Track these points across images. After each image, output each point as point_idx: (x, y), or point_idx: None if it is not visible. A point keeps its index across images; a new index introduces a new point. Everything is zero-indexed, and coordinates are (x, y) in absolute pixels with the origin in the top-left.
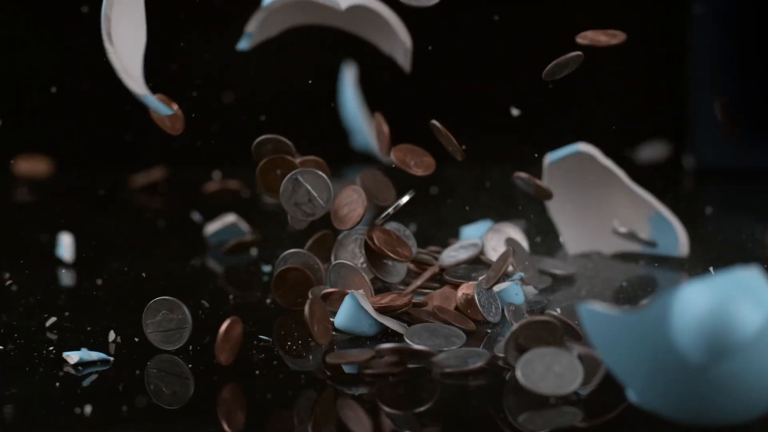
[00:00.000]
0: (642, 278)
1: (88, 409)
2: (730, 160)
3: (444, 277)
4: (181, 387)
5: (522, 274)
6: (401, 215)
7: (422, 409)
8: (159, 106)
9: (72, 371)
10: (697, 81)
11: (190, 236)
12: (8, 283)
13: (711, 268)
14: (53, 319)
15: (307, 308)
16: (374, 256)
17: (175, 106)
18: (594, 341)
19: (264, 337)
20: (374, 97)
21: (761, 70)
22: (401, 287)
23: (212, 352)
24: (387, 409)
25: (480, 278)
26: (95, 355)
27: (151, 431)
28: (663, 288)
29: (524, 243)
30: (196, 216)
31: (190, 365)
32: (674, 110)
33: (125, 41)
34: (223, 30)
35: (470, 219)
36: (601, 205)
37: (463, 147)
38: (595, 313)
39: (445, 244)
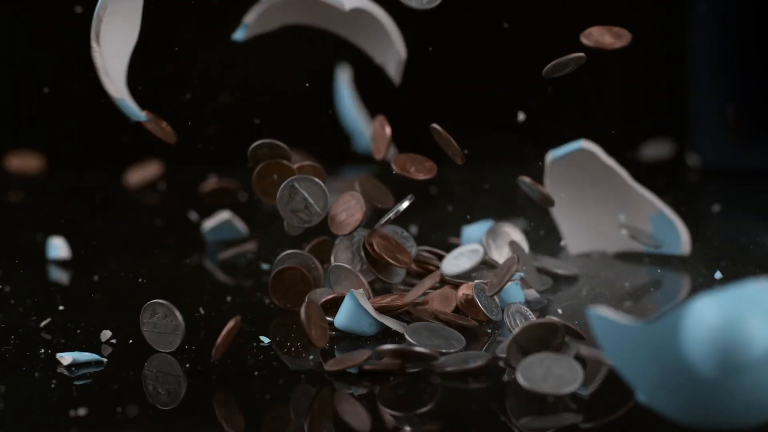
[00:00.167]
0: (644, 278)
1: (83, 410)
2: (730, 160)
3: (444, 277)
4: (176, 387)
5: (522, 274)
6: (402, 216)
7: (424, 410)
8: (133, 112)
9: (65, 372)
10: (697, 81)
11: (188, 235)
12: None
13: (717, 272)
14: (48, 320)
15: (303, 312)
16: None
17: (164, 124)
18: (602, 344)
19: (264, 338)
20: (373, 99)
21: (761, 70)
22: (402, 287)
23: (209, 352)
24: (387, 410)
25: (478, 280)
26: (89, 357)
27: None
28: (665, 288)
29: (524, 243)
30: (193, 215)
31: (187, 365)
32: (674, 110)
33: (113, 43)
34: (219, 29)
35: (471, 219)
36: (603, 204)
37: (465, 152)
38: (604, 318)
39: (445, 244)
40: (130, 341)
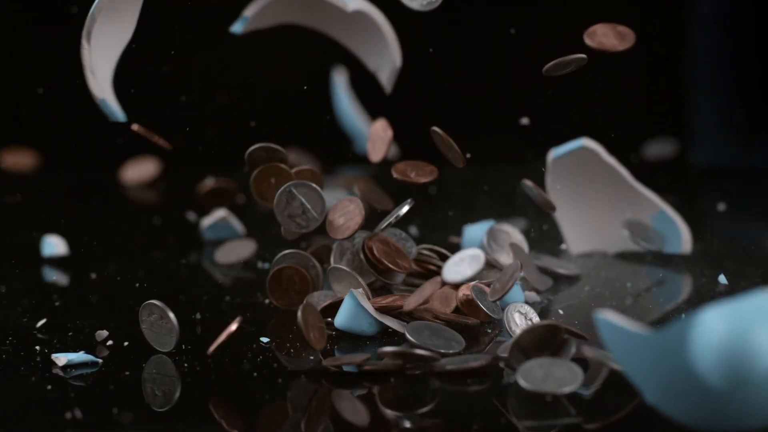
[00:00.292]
0: (645, 278)
1: (79, 411)
2: (729, 160)
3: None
4: (175, 388)
5: (522, 274)
6: (401, 217)
7: (424, 410)
8: (112, 112)
9: (60, 373)
10: (697, 81)
11: (186, 235)
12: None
13: (722, 276)
14: (43, 321)
15: (300, 316)
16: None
17: (156, 137)
18: (610, 348)
19: (263, 339)
20: (373, 100)
21: (761, 70)
22: (403, 287)
23: (207, 352)
24: (387, 410)
25: (478, 281)
26: (84, 357)
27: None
28: (666, 287)
29: (524, 244)
30: (191, 216)
31: (185, 365)
32: (674, 110)
33: (104, 43)
34: (218, 30)
35: (471, 219)
36: (604, 203)
37: (468, 155)
38: (612, 324)
39: (446, 244)
40: (125, 343)
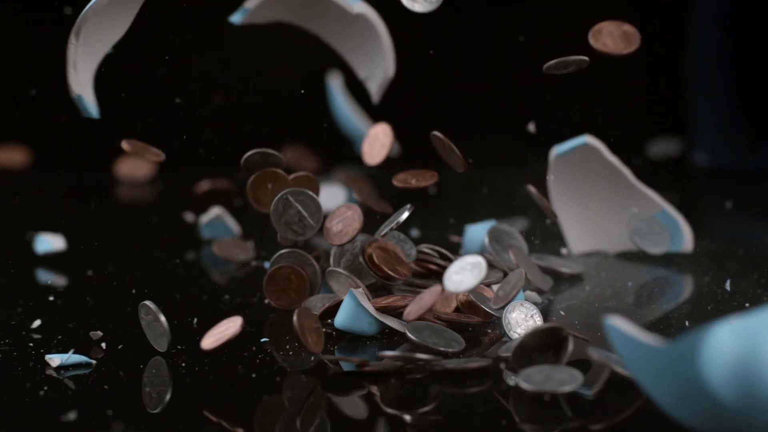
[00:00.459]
0: (647, 277)
1: (74, 412)
2: (729, 159)
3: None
4: (172, 388)
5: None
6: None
7: (424, 410)
8: (87, 108)
9: (54, 374)
10: (697, 81)
11: (184, 234)
12: None
13: (728, 282)
14: (38, 322)
15: (295, 321)
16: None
17: (149, 151)
18: (619, 354)
19: (263, 339)
20: (371, 101)
21: (761, 70)
22: (404, 287)
23: (207, 352)
24: (388, 409)
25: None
26: (77, 358)
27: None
28: (668, 287)
29: (524, 244)
30: (189, 216)
31: (183, 364)
32: (674, 110)
33: (92, 42)
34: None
35: (471, 220)
36: (606, 201)
37: (470, 160)
38: (622, 332)
39: (447, 243)
40: (120, 346)
